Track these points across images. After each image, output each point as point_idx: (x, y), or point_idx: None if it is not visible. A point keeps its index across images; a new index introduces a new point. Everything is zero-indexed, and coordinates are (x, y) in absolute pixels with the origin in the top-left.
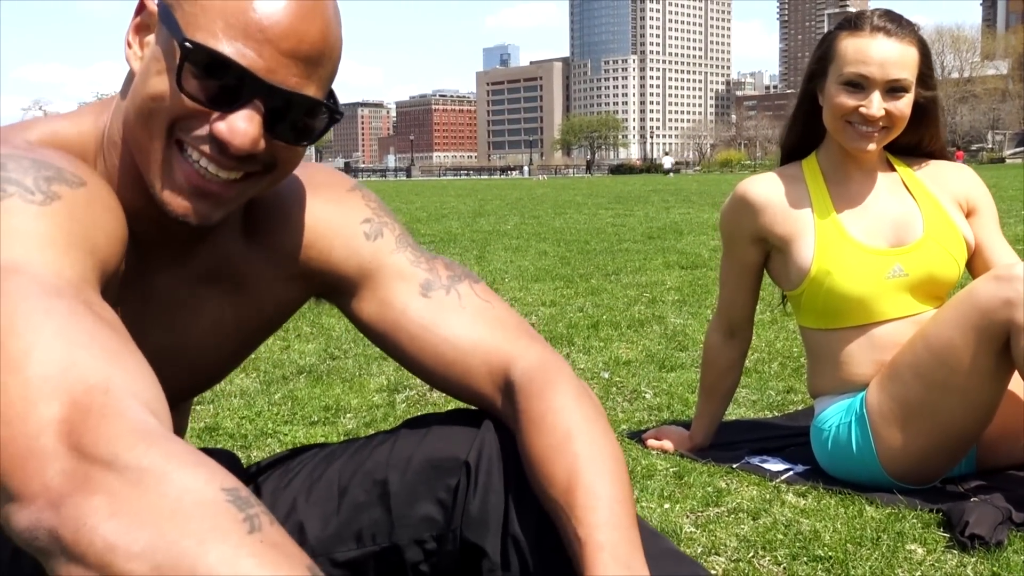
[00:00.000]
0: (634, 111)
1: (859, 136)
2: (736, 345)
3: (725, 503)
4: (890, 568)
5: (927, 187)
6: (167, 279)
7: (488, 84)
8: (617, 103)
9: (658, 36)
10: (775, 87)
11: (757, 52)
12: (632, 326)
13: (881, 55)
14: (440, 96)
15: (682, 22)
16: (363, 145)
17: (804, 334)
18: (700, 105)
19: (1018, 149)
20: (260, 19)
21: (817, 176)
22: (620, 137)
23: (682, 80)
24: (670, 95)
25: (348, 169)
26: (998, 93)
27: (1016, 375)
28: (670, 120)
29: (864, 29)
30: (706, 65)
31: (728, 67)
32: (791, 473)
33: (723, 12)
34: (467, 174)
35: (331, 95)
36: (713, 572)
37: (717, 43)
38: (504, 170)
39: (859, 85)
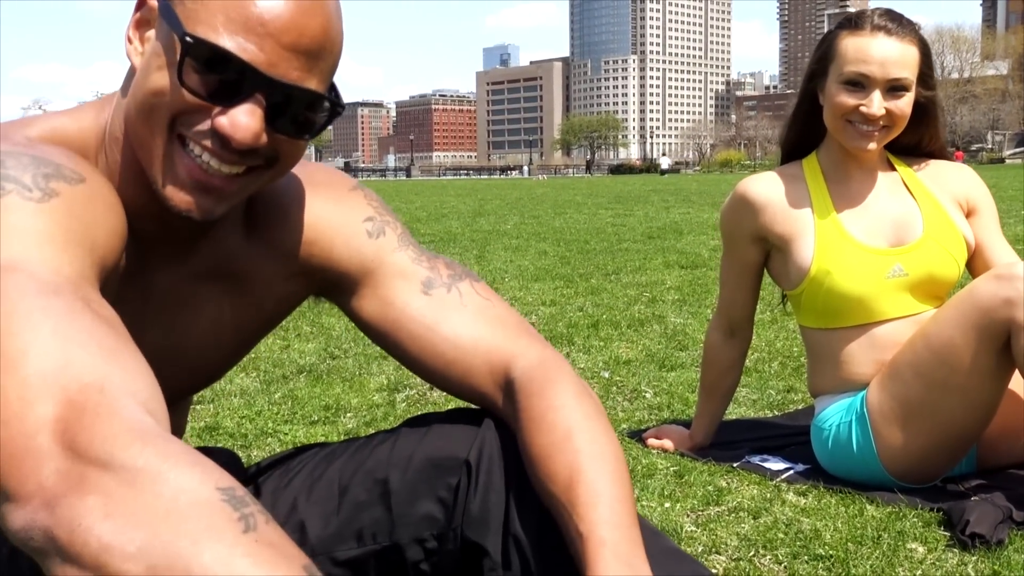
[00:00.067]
0: (634, 111)
1: (859, 135)
2: (736, 344)
3: (726, 502)
4: (891, 567)
5: (927, 187)
6: (167, 276)
7: (488, 84)
8: (617, 103)
9: (658, 36)
10: (775, 87)
11: (757, 52)
12: (632, 326)
13: (882, 54)
14: (440, 96)
15: (682, 22)
16: (363, 145)
17: (804, 334)
18: (700, 105)
19: (1018, 149)
20: (261, 13)
21: (817, 175)
22: (620, 137)
23: (682, 80)
24: (670, 95)
25: (348, 169)
26: (998, 93)
27: (1016, 374)
28: (670, 120)
29: (865, 28)
30: (706, 65)
31: (728, 67)
32: (791, 472)
33: (723, 12)
34: (467, 174)
35: (332, 88)
36: (714, 571)
37: (717, 43)
38: (504, 170)
39: (860, 84)
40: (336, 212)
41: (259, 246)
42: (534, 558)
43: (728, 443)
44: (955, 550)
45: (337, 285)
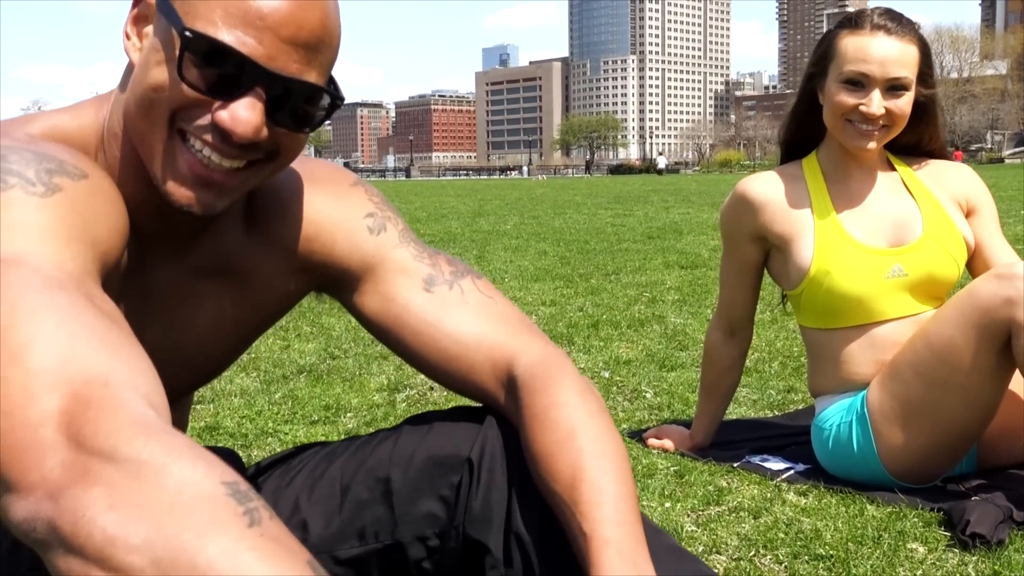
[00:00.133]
0: (633, 111)
1: (859, 135)
2: (736, 344)
3: (726, 502)
4: (891, 567)
5: (927, 187)
6: (168, 273)
7: (487, 84)
8: (616, 103)
9: (657, 36)
10: (774, 87)
11: (756, 52)
12: (632, 326)
13: (881, 53)
14: (439, 96)
15: (681, 22)
16: (362, 145)
17: (804, 333)
18: (699, 105)
19: (1017, 149)
20: (260, 7)
21: (817, 175)
22: (619, 137)
23: (681, 80)
24: (669, 95)
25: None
26: (997, 93)
27: (1017, 374)
28: (669, 120)
29: (864, 27)
30: (705, 65)
31: (727, 67)
32: (792, 472)
33: (722, 12)
34: (466, 174)
35: (331, 81)
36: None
37: (716, 43)
38: (503, 170)
39: (859, 83)
40: (337, 208)
41: (260, 242)
42: (536, 556)
43: (728, 443)
44: (955, 550)
45: (338, 281)
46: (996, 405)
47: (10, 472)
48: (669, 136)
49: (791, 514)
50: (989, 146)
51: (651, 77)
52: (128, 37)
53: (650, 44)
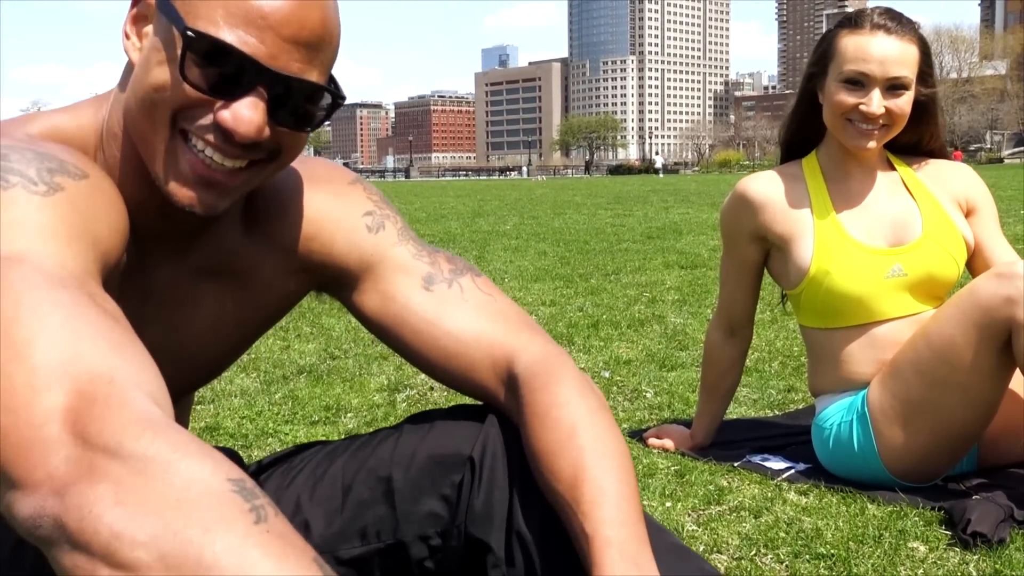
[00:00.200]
0: (633, 112)
1: (859, 134)
2: (737, 344)
3: (727, 501)
4: (892, 566)
5: (927, 186)
6: (168, 272)
7: (487, 85)
8: (616, 104)
9: (656, 37)
10: (774, 87)
11: (755, 52)
12: (632, 326)
13: (881, 53)
14: (439, 97)
15: (680, 22)
16: (362, 146)
17: (804, 333)
18: (699, 106)
19: (1017, 149)
20: (261, 6)
21: (817, 175)
22: (619, 138)
23: (681, 81)
24: (669, 96)
25: None
26: (996, 93)
27: (1017, 373)
28: (669, 120)
29: (864, 27)
30: (704, 66)
31: (726, 67)
32: (792, 471)
33: (721, 12)
34: (466, 175)
35: (332, 80)
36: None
37: (715, 43)
38: (503, 171)
39: (859, 83)
40: (336, 206)
41: (259, 242)
42: (538, 555)
43: (729, 443)
44: (956, 549)
45: (337, 280)
46: (997, 404)
47: (15, 469)
48: (669, 136)
49: (792, 513)
50: (988, 146)
51: (650, 77)
52: (128, 37)
53: (649, 44)
